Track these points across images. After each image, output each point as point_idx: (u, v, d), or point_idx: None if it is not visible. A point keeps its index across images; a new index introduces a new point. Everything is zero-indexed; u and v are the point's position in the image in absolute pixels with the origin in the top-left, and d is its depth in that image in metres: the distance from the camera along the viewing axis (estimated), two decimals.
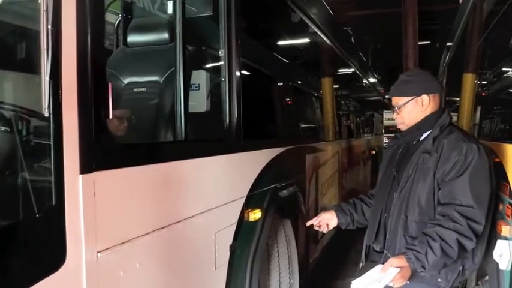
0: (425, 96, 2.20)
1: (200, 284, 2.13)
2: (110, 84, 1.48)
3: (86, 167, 1.36)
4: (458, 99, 6.41)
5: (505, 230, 2.23)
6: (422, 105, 2.21)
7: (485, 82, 5.51)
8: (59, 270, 1.26)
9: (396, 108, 2.27)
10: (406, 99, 2.22)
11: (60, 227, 1.27)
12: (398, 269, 1.94)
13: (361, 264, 2.11)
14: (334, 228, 2.54)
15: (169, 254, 1.84)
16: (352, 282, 2.01)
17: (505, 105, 3.90)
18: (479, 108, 5.55)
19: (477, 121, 5.68)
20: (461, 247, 1.96)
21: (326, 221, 2.48)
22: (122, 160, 1.57)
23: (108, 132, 1.51)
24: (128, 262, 1.56)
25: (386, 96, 14.64)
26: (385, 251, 2.20)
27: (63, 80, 1.28)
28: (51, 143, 1.26)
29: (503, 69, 4.33)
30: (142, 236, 1.64)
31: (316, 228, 2.52)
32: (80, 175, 1.34)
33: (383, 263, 2.03)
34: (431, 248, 1.92)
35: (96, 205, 1.40)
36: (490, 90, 5.16)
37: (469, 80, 5.85)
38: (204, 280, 2.18)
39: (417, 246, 1.95)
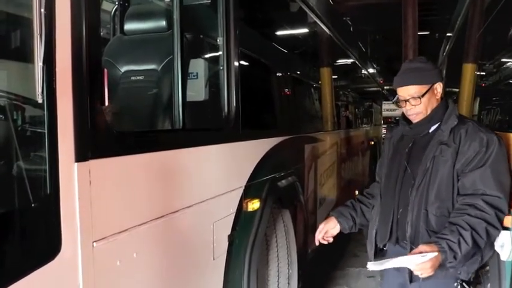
0: (439, 84, 2.14)
1: (198, 274, 2.11)
2: (105, 71, 1.44)
3: (82, 155, 1.33)
4: (457, 90, 6.40)
5: (506, 220, 2.21)
6: (437, 93, 2.14)
7: (484, 73, 5.50)
8: (54, 260, 1.23)
9: (410, 98, 2.11)
10: (426, 87, 2.10)
11: (55, 216, 1.25)
12: (425, 258, 1.81)
13: (370, 265, 1.96)
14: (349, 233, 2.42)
15: (167, 244, 1.82)
16: (369, 263, 1.96)
17: (504, 96, 3.88)
18: (478, 99, 5.53)
19: (476, 112, 5.67)
20: (488, 236, 1.93)
21: (331, 232, 2.34)
22: (119, 148, 1.54)
23: (105, 120, 1.48)
24: (124, 252, 1.54)
25: (386, 88, 14.63)
26: (402, 243, 2.12)
27: (58, 66, 1.25)
28: (46, 130, 1.23)
29: (503, 59, 4.31)
30: (139, 225, 1.62)
31: (324, 242, 2.37)
32: (75, 163, 1.31)
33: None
34: (462, 237, 1.87)
35: (92, 194, 1.37)
36: (489, 81, 5.14)
37: (468, 70, 5.84)
38: (202, 270, 2.16)
39: (449, 235, 1.87)
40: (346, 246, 5.38)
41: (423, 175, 2.07)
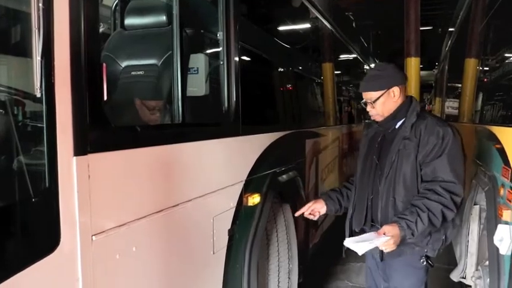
0: (395, 88, 2.38)
1: (198, 268, 2.12)
2: (104, 65, 1.45)
3: (80, 149, 1.33)
4: (460, 85, 6.37)
5: (505, 214, 2.22)
6: (394, 96, 2.38)
7: (487, 68, 5.48)
8: (53, 253, 1.24)
9: (370, 102, 2.40)
10: (379, 93, 2.37)
11: (54, 209, 1.25)
12: (388, 237, 2.13)
13: (346, 241, 2.26)
14: (334, 215, 2.73)
15: (167, 238, 1.83)
16: (346, 239, 2.28)
17: (507, 92, 3.87)
18: (480, 94, 5.51)
19: (479, 108, 5.65)
20: (444, 217, 2.21)
21: (317, 210, 2.63)
22: (118, 142, 1.54)
23: (104, 114, 1.48)
24: (123, 245, 1.55)
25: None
26: (376, 225, 2.35)
27: (56, 60, 1.25)
28: (44, 124, 1.24)
29: (506, 54, 4.29)
30: (138, 219, 1.62)
31: (310, 217, 2.67)
32: (74, 157, 1.31)
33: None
34: (420, 217, 2.16)
35: (91, 188, 1.38)
36: (492, 76, 5.12)
37: (471, 65, 5.80)
38: (202, 264, 2.17)
39: (408, 215, 2.17)
40: None
41: (390, 167, 2.33)
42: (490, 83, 4.94)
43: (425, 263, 2.33)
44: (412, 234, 2.17)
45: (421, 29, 7.15)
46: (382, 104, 2.39)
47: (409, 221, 2.15)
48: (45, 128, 1.23)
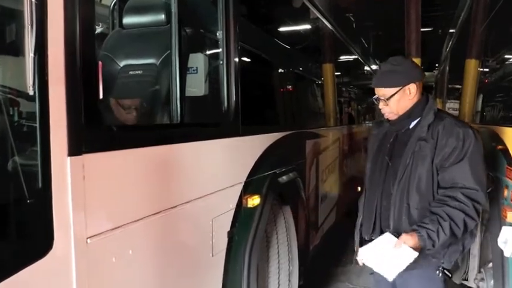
0: (412, 85, 2.21)
1: (197, 271, 2.08)
2: (100, 63, 1.41)
3: (75, 149, 1.29)
4: (459, 86, 6.34)
5: (510, 216, 2.18)
6: (410, 93, 2.21)
7: (487, 69, 5.45)
8: (46, 257, 1.20)
9: (383, 99, 2.24)
10: (394, 90, 2.20)
11: (47, 211, 1.21)
12: (416, 254, 1.97)
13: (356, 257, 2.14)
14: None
15: (164, 241, 1.79)
16: (360, 249, 2.12)
17: (508, 93, 3.84)
18: (481, 95, 5.48)
19: (479, 108, 5.62)
20: (465, 227, 2.04)
21: None
22: (114, 142, 1.50)
23: (100, 113, 1.44)
24: (120, 248, 1.51)
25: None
26: (387, 230, 2.18)
27: (50, 57, 1.21)
28: (37, 123, 1.20)
29: (506, 56, 4.26)
30: (135, 221, 1.58)
31: None
32: (68, 157, 1.27)
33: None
34: (441, 226, 1.99)
35: (86, 189, 1.34)
36: (493, 77, 5.09)
37: (472, 66, 5.77)
38: (201, 267, 2.13)
39: (429, 224, 2.01)
40: (348, 243, 5.33)
41: (404, 170, 2.15)
42: (491, 84, 4.91)
43: (441, 274, 2.15)
44: (433, 245, 2.01)
45: (421, 30, 7.12)
46: (396, 101, 2.21)
47: (431, 230, 1.99)
48: (38, 127, 1.19)
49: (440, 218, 2.00)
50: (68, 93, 1.27)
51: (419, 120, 2.21)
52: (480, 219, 3.37)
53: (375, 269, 2.03)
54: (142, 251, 1.65)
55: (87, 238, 1.35)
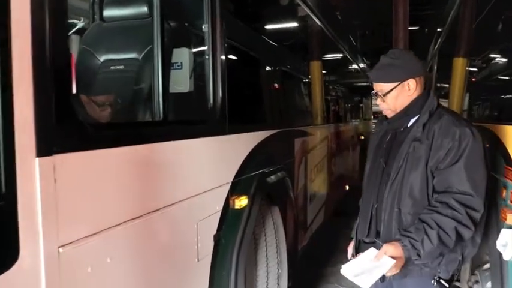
0: (411, 81, 2.07)
1: (181, 278, 1.96)
2: (72, 54, 1.29)
3: (44, 149, 1.17)
4: (447, 85, 6.33)
5: (509, 218, 2.09)
6: (409, 89, 2.08)
7: (475, 69, 5.45)
8: (11, 269, 1.07)
9: (380, 94, 2.11)
10: (392, 85, 2.08)
11: (11, 218, 1.08)
12: (394, 261, 1.86)
13: (351, 258, 2.02)
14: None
15: (146, 247, 1.66)
16: (343, 266, 1.96)
17: (494, 91, 3.81)
18: (468, 94, 5.47)
19: (466, 106, 5.61)
20: (459, 236, 1.88)
21: None
22: (89, 141, 1.38)
23: (73, 110, 1.32)
24: (96, 257, 1.38)
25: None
26: (376, 240, 2.09)
27: (14, 49, 1.08)
28: None
29: (492, 55, 4.23)
30: (113, 227, 1.46)
31: None
32: (37, 158, 1.15)
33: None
34: (428, 236, 1.86)
35: (58, 193, 1.21)
36: (479, 76, 5.08)
37: (460, 64, 5.75)
38: (186, 273, 2.01)
39: (413, 233, 1.88)
40: (336, 243, 5.26)
41: (396, 173, 2.02)
42: (478, 82, 4.89)
43: (436, 283, 2.01)
44: (419, 255, 1.87)
45: (409, 28, 7.09)
46: (394, 98, 2.08)
47: (414, 240, 1.86)
48: (0, 124, 1.07)
49: (428, 226, 1.86)
50: (36, 89, 1.14)
51: (417, 118, 2.07)
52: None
53: (352, 280, 1.89)
54: (122, 258, 1.52)
55: (59, 247, 1.22)
